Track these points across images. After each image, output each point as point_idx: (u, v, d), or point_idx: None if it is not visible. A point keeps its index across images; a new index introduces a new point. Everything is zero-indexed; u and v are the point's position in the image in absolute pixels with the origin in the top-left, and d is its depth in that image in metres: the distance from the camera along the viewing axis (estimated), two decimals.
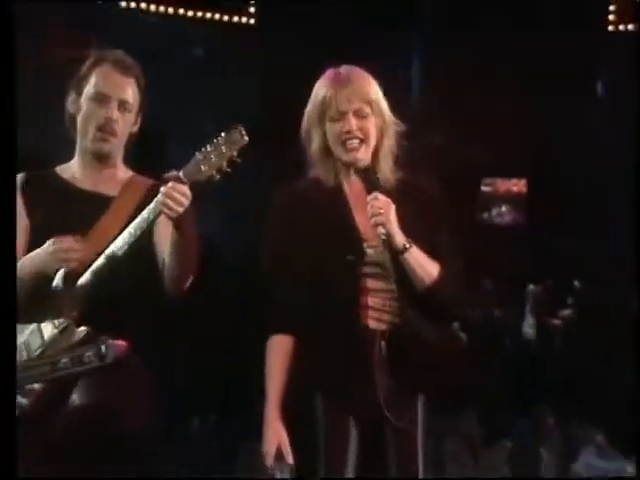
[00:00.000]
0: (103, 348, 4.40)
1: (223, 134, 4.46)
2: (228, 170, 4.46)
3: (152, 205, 4.46)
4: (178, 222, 4.42)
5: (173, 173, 4.44)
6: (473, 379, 8.52)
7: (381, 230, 4.39)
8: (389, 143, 4.58)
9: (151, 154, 5.08)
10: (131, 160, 4.88)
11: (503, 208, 10.02)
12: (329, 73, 4.64)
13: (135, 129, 4.78)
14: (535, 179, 9.79)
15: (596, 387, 7.95)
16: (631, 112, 9.19)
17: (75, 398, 4.53)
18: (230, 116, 5.33)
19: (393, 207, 4.43)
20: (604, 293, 8.75)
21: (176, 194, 4.37)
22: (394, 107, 4.67)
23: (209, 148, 4.46)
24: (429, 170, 4.78)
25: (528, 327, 9.24)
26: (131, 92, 4.72)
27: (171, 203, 4.38)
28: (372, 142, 4.57)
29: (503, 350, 9.12)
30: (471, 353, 8.83)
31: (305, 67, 5.00)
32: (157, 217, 4.50)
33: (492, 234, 9.99)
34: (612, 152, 9.68)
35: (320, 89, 4.59)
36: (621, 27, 10.14)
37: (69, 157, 4.85)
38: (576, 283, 9.02)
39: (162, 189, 4.38)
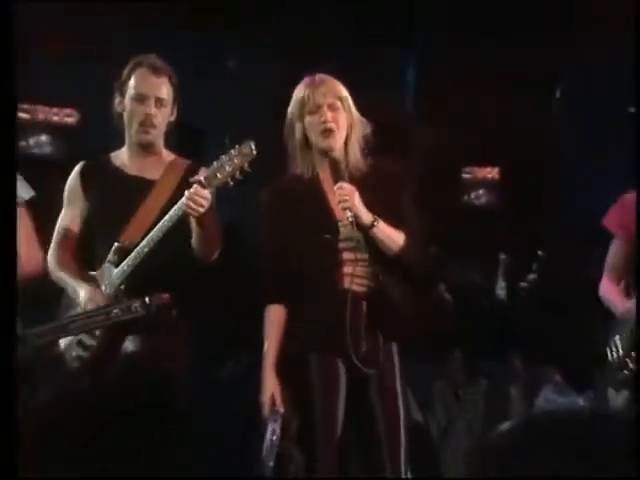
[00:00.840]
0: (147, 299, 4.46)
1: (237, 147, 4.52)
2: (240, 178, 4.53)
3: (179, 205, 4.53)
4: (199, 219, 4.50)
5: (196, 178, 4.55)
6: (457, 330, 8.57)
7: (348, 213, 4.48)
8: (357, 137, 4.68)
9: (189, 140, 5.10)
10: (171, 144, 4.91)
11: (480, 192, 10.03)
12: (306, 78, 4.73)
13: (172, 119, 4.84)
14: (506, 167, 9.76)
15: (554, 335, 7.98)
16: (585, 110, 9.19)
17: (127, 345, 4.59)
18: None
19: (356, 193, 4.52)
20: (560, 261, 8.76)
21: (197, 197, 4.46)
22: (389, 106, 4.72)
23: (224, 159, 4.55)
24: (397, 156, 4.82)
25: (500, 289, 9.26)
26: (165, 90, 4.78)
27: (193, 205, 4.46)
28: (343, 132, 4.65)
29: (480, 307, 9.14)
30: (455, 310, 8.87)
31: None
32: (183, 215, 4.54)
33: (471, 214, 9.98)
34: (570, 146, 9.64)
35: (299, 90, 4.70)
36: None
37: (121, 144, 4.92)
38: (539, 253, 9.01)
39: (186, 193, 4.48)
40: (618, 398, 5.08)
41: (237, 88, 9.19)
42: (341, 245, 4.57)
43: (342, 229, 4.57)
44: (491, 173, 9.91)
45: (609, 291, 5.16)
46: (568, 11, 9.49)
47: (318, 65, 4.92)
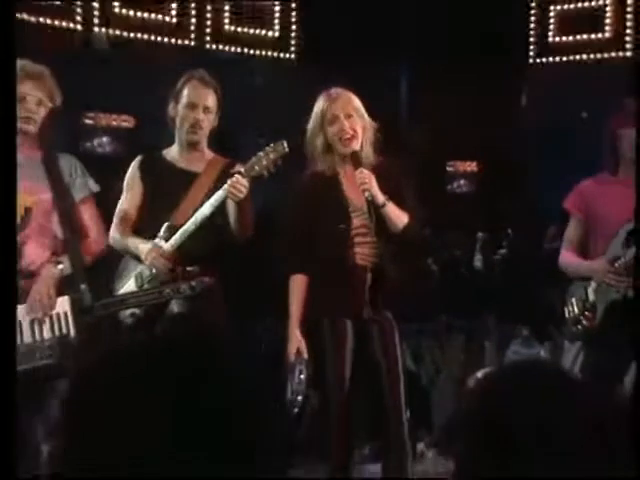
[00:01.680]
0: (194, 283, 4.48)
1: (272, 145, 4.57)
2: (273, 171, 4.59)
3: (222, 191, 4.57)
4: (239, 203, 4.55)
5: (237, 169, 4.62)
6: (441, 295, 8.56)
7: (367, 193, 4.52)
8: (369, 137, 4.70)
9: (226, 141, 5.12)
10: (213, 145, 4.96)
11: (461, 182, 9.97)
12: (324, 93, 4.74)
13: (215, 124, 4.87)
14: (483, 162, 9.73)
15: (522, 298, 7.96)
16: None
17: (173, 307, 4.61)
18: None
19: (373, 177, 4.56)
20: (526, 238, 8.76)
21: (238, 185, 4.52)
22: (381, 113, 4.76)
23: (261, 154, 4.60)
24: (399, 155, 4.85)
25: (477, 261, 9.24)
26: (211, 100, 4.81)
27: (235, 191, 4.52)
28: (360, 137, 4.66)
29: (461, 276, 9.12)
30: (440, 279, 8.86)
31: None
32: (226, 199, 4.57)
33: (454, 200, 9.94)
34: (534, 145, 9.64)
35: (319, 105, 4.72)
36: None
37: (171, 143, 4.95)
38: (509, 232, 9.00)
39: (229, 181, 4.53)
40: (572, 348, 5.11)
41: (263, 100, 9.15)
42: (353, 231, 4.61)
43: (354, 219, 4.63)
44: (470, 166, 9.87)
45: (568, 260, 5.17)
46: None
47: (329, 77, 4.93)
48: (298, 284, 4.69)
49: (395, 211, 4.59)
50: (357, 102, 4.70)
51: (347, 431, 4.59)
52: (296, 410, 4.44)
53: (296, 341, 4.61)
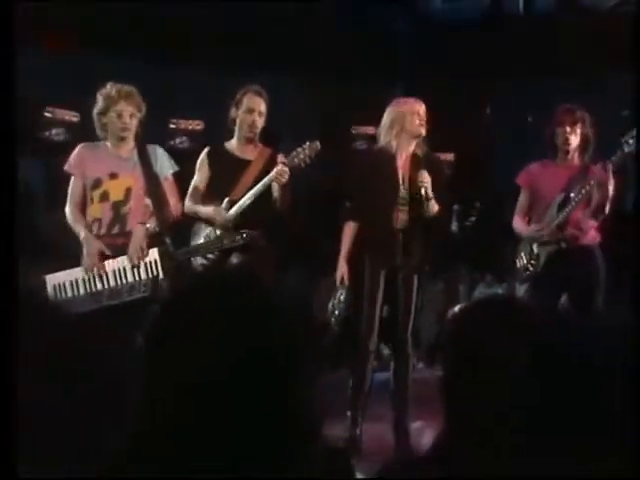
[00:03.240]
0: (245, 234, 4.50)
1: (307, 143, 4.56)
2: (308, 163, 4.58)
3: (269, 176, 4.56)
4: (282, 186, 4.54)
5: (281, 159, 4.61)
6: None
7: (423, 191, 4.47)
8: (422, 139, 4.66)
9: (272, 137, 5.08)
10: (262, 139, 4.92)
11: None
12: (398, 100, 4.78)
13: (264, 124, 4.80)
14: (458, 152, 9.63)
15: (485, 252, 7.95)
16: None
17: (233, 259, 4.59)
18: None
19: (430, 179, 4.50)
20: (490, 209, 8.70)
21: (282, 172, 4.51)
22: None
23: (299, 149, 4.58)
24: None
25: (454, 227, 9.14)
26: (263, 106, 4.75)
27: (279, 177, 4.51)
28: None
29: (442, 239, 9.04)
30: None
31: None
32: (272, 182, 4.55)
33: None
34: (498, 139, 9.54)
35: (395, 107, 4.70)
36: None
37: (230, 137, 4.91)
38: (477, 204, 8.94)
39: (275, 169, 4.52)
40: (521, 289, 5.13)
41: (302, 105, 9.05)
42: (398, 201, 4.55)
43: (402, 192, 4.56)
44: (448, 156, 9.75)
45: (518, 223, 5.18)
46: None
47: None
48: (351, 228, 4.66)
49: (434, 204, 4.55)
50: (424, 107, 4.66)
51: (370, 342, 4.59)
52: (333, 321, 4.44)
53: (342, 270, 4.60)
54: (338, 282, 4.58)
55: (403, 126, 4.57)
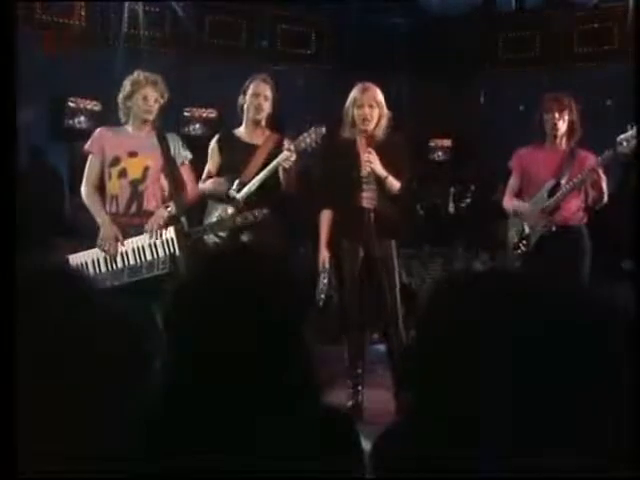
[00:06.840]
0: (256, 213, 4.49)
1: (313, 127, 4.52)
2: (314, 147, 4.54)
3: (277, 160, 4.52)
4: (286, 170, 4.50)
5: (288, 145, 4.55)
6: (425, 229, 8.50)
7: (368, 169, 4.45)
8: (383, 122, 4.57)
9: (279, 123, 5.05)
10: (269, 125, 4.88)
11: (439, 153, 9.71)
12: (359, 84, 4.62)
13: (271, 110, 4.75)
14: (455, 138, 9.58)
15: (480, 231, 7.92)
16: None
17: (243, 237, 4.55)
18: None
19: (377, 158, 4.45)
20: (484, 191, 8.66)
21: (289, 157, 4.48)
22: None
23: (305, 134, 4.53)
24: (400, 133, 4.79)
25: (451, 207, 9.13)
26: (269, 92, 4.69)
27: (285, 163, 4.48)
28: (375, 121, 4.54)
29: (440, 218, 9.03)
30: (424, 219, 8.82)
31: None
32: (278, 167, 4.51)
33: (435, 165, 9.72)
34: (492, 126, 9.46)
35: (354, 92, 4.58)
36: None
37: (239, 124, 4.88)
38: (472, 187, 8.92)
39: (281, 154, 4.49)
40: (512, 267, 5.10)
41: (309, 91, 8.98)
42: (363, 182, 4.50)
43: (363, 172, 4.52)
44: (446, 142, 9.70)
45: (509, 203, 5.17)
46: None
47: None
48: (326, 216, 4.63)
49: (392, 181, 4.51)
50: (380, 95, 4.57)
51: (356, 318, 4.57)
52: (320, 302, 4.43)
53: (324, 254, 4.58)
54: (320, 267, 4.54)
55: (348, 113, 4.55)
